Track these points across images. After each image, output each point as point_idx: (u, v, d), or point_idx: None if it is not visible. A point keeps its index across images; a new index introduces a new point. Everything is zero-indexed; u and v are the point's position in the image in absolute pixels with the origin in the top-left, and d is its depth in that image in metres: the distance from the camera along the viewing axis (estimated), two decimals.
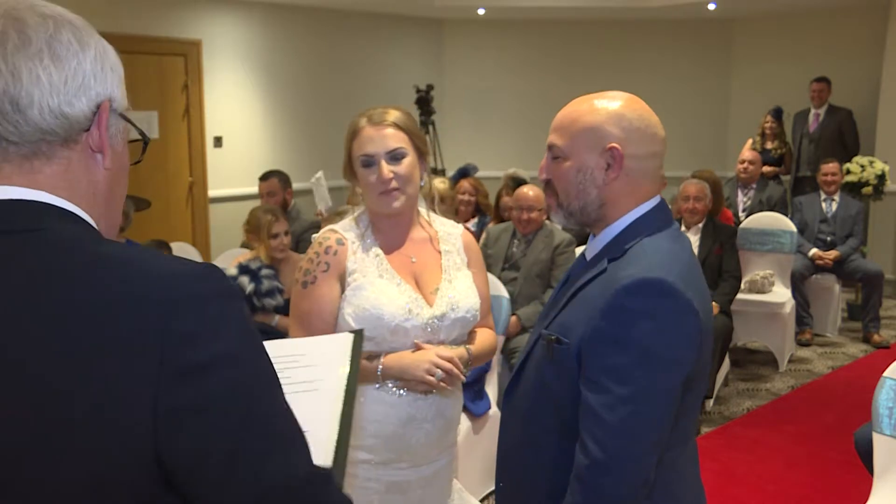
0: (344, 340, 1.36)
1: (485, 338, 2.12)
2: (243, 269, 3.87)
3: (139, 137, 1.05)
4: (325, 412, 1.26)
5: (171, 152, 6.59)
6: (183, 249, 4.84)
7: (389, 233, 2.01)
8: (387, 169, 1.92)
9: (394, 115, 1.97)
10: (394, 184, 1.92)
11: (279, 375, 1.31)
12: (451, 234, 2.10)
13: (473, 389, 3.34)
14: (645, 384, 1.36)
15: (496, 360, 3.55)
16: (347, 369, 1.30)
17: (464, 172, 6.04)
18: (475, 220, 5.41)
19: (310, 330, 1.92)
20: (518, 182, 5.02)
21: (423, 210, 2.09)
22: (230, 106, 6.99)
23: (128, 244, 4.31)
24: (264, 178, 5.33)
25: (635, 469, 1.37)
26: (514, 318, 4.00)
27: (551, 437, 1.50)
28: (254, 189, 5.63)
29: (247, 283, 3.81)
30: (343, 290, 1.94)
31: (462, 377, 1.95)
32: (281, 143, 7.32)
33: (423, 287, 1.99)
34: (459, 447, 3.17)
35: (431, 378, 1.89)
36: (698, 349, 1.41)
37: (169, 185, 6.61)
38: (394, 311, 1.90)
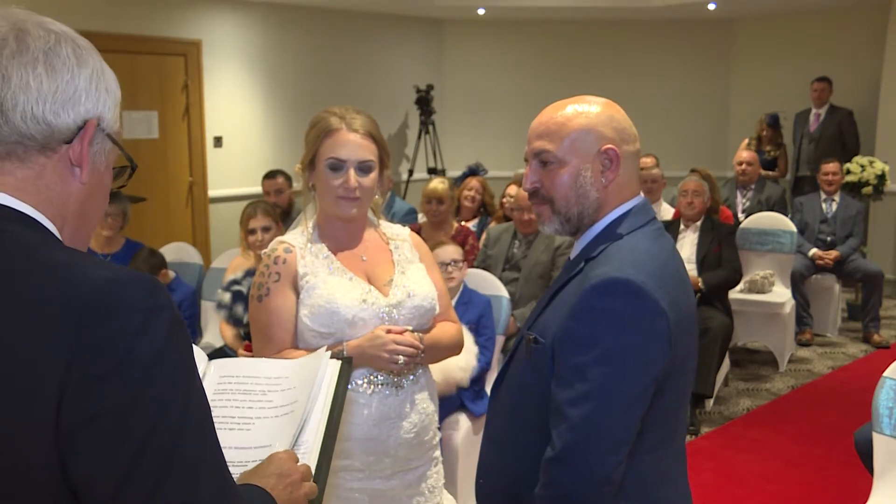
0: (331, 368, 1.36)
1: (444, 328, 2.11)
2: (237, 295, 3.62)
3: (127, 164, 1.07)
4: (309, 434, 1.25)
5: (171, 152, 6.59)
6: (183, 249, 4.83)
7: (340, 234, 2.03)
8: (354, 179, 1.93)
9: (367, 123, 1.98)
10: (357, 193, 1.95)
11: (261, 398, 1.31)
12: (400, 234, 2.14)
13: (473, 389, 3.33)
14: (606, 382, 1.37)
15: (496, 359, 3.54)
16: (331, 395, 1.30)
17: (473, 171, 6.07)
18: (476, 220, 5.39)
19: (272, 341, 1.94)
20: None
21: (372, 217, 2.12)
22: (230, 106, 6.99)
23: (128, 244, 4.31)
24: (271, 176, 5.24)
25: (593, 465, 1.37)
26: (511, 319, 4.00)
27: (530, 434, 1.51)
28: (254, 189, 5.62)
29: (241, 312, 3.57)
30: (298, 296, 1.96)
31: (420, 348, 1.95)
32: (281, 143, 7.32)
33: (375, 281, 2.01)
34: (459, 447, 3.19)
35: (396, 366, 1.92)
36: (668, 349, 1.40)
37: (169, 185, 6.60)
38: (348, 304, 1.92)
